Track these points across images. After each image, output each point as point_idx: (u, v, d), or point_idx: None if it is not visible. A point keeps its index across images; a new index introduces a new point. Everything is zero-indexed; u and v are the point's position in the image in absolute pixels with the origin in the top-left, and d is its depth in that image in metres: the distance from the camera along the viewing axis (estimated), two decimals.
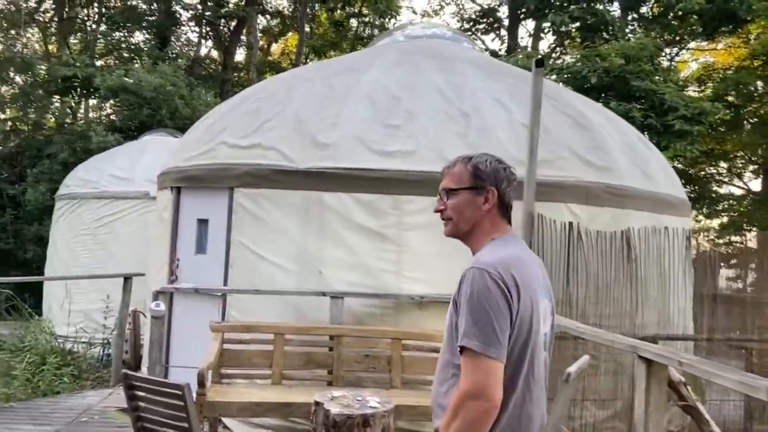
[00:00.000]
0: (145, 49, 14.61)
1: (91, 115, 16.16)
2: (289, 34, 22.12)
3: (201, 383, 3.67)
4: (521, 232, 4.71)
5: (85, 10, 18.93)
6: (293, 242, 4.98)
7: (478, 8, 19.89)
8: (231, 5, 18.14)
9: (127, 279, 6.66)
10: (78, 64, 13.33)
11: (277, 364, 4.27)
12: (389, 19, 17.22)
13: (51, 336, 7.63)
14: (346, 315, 4.64)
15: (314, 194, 4.94)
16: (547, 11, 14.20)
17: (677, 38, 18.68)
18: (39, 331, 7.95)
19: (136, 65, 12.57)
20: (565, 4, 13.92)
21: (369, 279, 4.76)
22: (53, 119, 14.71)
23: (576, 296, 4.63)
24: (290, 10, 19.08)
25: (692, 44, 20.20)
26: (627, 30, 15.50)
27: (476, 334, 1.56)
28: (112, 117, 12.08)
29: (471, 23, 18.75)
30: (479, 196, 1.79)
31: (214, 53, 21.55)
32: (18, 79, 15.40)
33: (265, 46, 22.47)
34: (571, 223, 4.64)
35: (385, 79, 5.58)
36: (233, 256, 5.21)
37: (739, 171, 20.62)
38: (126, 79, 11.53)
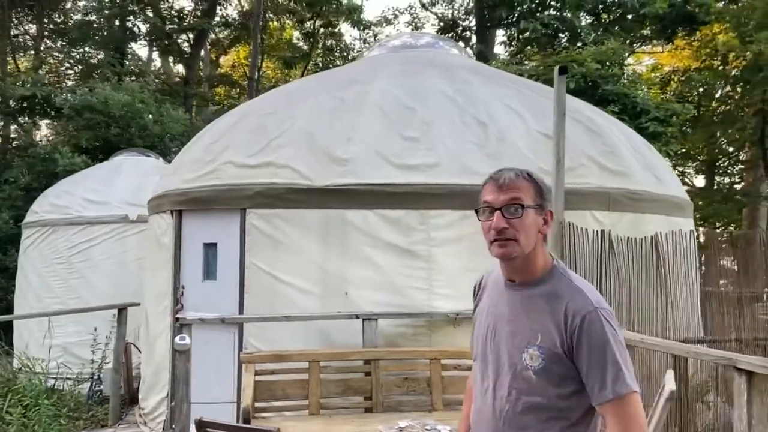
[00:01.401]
0: (109, 64, 14.04)
1: (43, 135, 15.51)
2: (239, 46, 21.83)
3: (247, 420, 3.47)
4: (551, 243, 4.68)
5: (33, 26, 18.23)
6: (314, 263, 4.81)
7: (435, 17, 20.10)
8: (190, 18, 17.74)
9: (122, 310, 6.33)
10: (35, 83, 12.74)
11: (313, 394, 4.09)
12: (363, 30, 17.16)
13: (37, 374, 7.17)
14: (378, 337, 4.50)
15: (335, 212, 4.80)
16: (515, 19, 14.42)
17: (633, 42, 19.27)
18: (20, 369, 7.47)
19: (100, 84, 12.06)
20: (536, 12, 14.15)
21: (399, 298, 4.64)
22: (10, 142, 14.01)
23: (609, 304, 4.61)
24: (241, 19, 18.66)
25: (646, 47, 20.93)
26: (590, 36, 15.90)
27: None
28: (74, 138, 11.51)
29: (440, 32, 18.90)
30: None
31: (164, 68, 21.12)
32: None
33: (214, 58, 22.11)
34: (602, 231, 4.63)
35: (394, 89, 5.49)
36: (249, 281, 5.01)
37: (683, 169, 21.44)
38: (90, 98, 11.07)
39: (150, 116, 11.66)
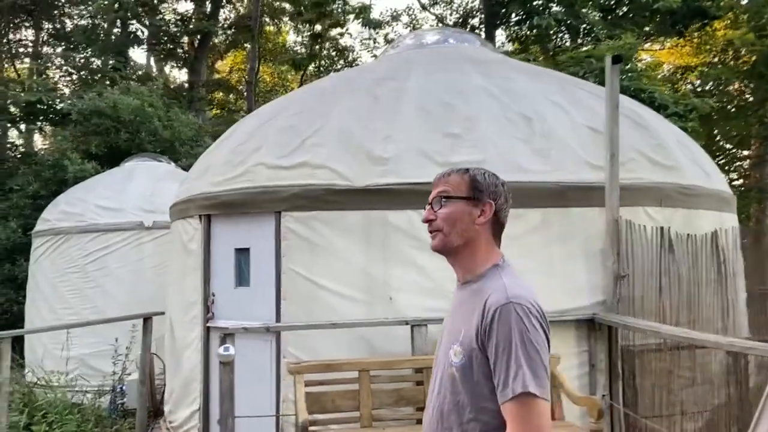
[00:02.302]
0: (114, 69, 13.85)
1: (50, 142, 15.30)
2: (235, 51, 21.70)
3: None
4: (606, 241, 4.51)
5: (30, 31, 18.05)
6: (355, 267, 4.62)
7: (433, 18, 19.91)
8: (193, 22, 17.57)
9: (147, 320, 6.13)
10: (40, 88, 12.56)
11: (365, 405, 3.89)
12: (373, 29, 16.99)
13: (54, 388, 6.97)
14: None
15: (376, 213, 4.61)
16: (528, 15, 14.26)
17: (646, 37, 19.13)
18: (35, 383, 7.27)
19: (103, 89, 11.87)
20: (548, 8, 14.00)
21: (445, 302, 4.40)
22: (15, 149, 13.82)
23: (669, 305, 4.43)
24: (238, 22, 18.43)
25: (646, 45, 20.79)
26: (603, 31, 15.75)
27: (532, 377, 1.45)
28: (83, 144, 11.31)
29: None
30: (475, 208, 1.69)
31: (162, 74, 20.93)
32: None
33: (210, 63, 21.96)
34: (661, 228, 4.45)
35: (431, 85, 5.32)
36: (286, 287, 4.81)
37: None
38: (99, 102, 10.88)
39: (159, 121, 11.45)
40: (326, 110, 5.25)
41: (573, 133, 4.92)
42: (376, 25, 16.44)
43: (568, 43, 16.78)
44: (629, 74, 12.21)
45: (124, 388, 6.82)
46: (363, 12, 15.59)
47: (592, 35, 15.23)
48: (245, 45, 20.80)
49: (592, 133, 4.93)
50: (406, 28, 21.57)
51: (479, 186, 1.71)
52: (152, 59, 21.03)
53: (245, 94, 21.07)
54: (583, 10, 14.44)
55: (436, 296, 4.44)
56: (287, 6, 20.35)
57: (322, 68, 21.44)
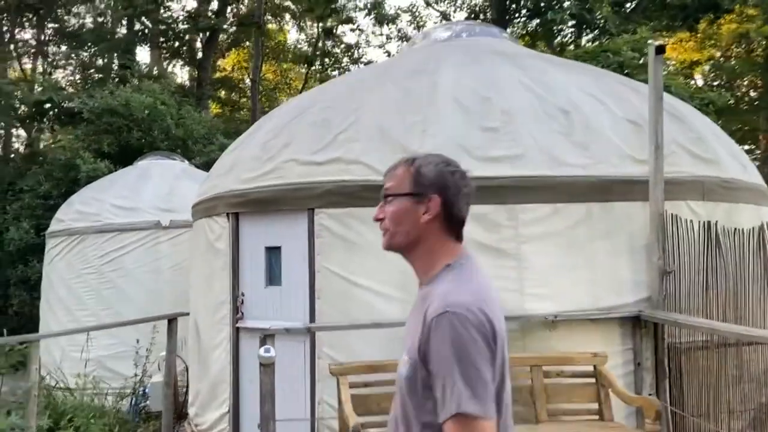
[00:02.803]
0: (124, 67, 13.78)
1: (61, 141, 15.21)
2: (237, 49, 21.64)
3: None
4: (650, 236, 4.41)
5: (33, 30, 17.95)
6: (393, 265, 4.44)
7: (437, 14, 19.70)
8: (199, 19, 17.49)
9: (172, 321, 6.04)
10: (48, 86, 12.49)
11: None
12: (387, 24, 16.90)
13: (79, 391, 6.90)
14: None
15: None
16: (540, 10, 14.19)
17: (659, 31, 19.03)
18: (54, 386, 7.20)
19: (111, 87, 11.79)
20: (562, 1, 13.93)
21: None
22: (27, 148, 13.75)
23: (716, 303, 4.34)
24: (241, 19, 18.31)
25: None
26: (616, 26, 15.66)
27: (472, 396, 1.34)
28: (95, 143, 11.23)
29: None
30: (420, 204, 1.57)
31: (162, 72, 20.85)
32: None
33: (213, 61, 21.89)
34: (708, 223, 4.36)
35: (464, 79, 5.22)
36: (320, 286, 4.73)
37: None
38: (111, 100, 10.80)
39: (171, 119, 11.37)
40: (357, 104, 5.16)
41: (613, 126, 4.82)
42: (390, 20, 16.35)
43: (571, 39, 16.69)
44: (645, 67, 12.12)
45: (146, 390, 6.74)
46: (377, 8, 15.51)
47: (604, 30, 15.15)
48: (247, 43, 20.78)
49: (632, 126, 4.84)
50: (410, 25, 21.49)
51: (422, 179, 1.58)
52: (152, 58, 20.95)
53: (248, 92, 21.03)
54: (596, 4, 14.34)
55: None
56: (290, 4, 20.34)
57: (326, 65, 21.41)
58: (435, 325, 1.40)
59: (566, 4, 13.70)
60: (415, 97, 5.06)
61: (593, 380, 4.02)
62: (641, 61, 12.60)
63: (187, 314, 6.17)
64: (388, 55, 16.97)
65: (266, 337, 3.89)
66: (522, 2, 15.63)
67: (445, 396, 1.36)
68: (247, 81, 21.78)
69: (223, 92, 22.82)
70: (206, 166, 11.32)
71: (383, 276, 4.52)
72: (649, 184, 4.39)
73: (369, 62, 19.25)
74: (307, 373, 4.81)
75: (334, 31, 18.11)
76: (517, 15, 17.04)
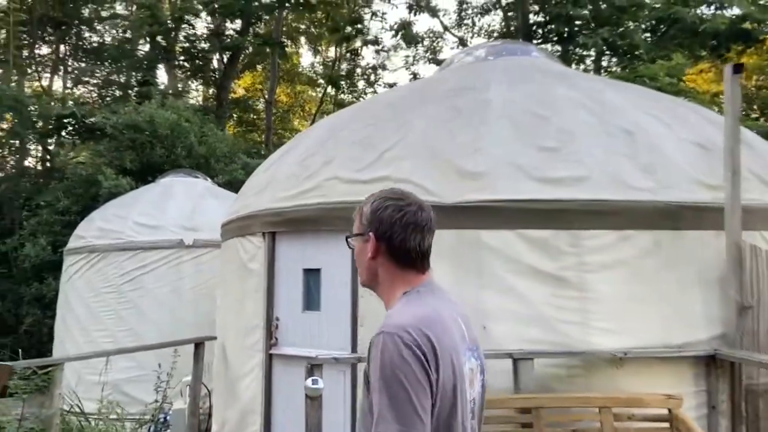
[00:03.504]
0: (147, 83, 13.75)
1: (76, 157, 15.17)
2: (251, 71, 21.75)
3: None
4: (725, 268, 4.12)
5: (62, 47, 18.08)
6: None
7: (455, 40, 19.55)
8: (226, 38, 17.54)
9: (199, 345, 5.78)
10: (71, 102, 12.44)
11: None
12: (415, 45, 16.82)
13: (88, 416, 6.63)
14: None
15: (468, 233, 4.27)
16: (574, 34, 14.04)
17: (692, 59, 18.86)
18: (69, 411, 6.93)
19: (146, 102, 11.72)
20: (593, 28, 13.78)
21: (548, 333, 4.07)
22: (46, 163, 13.67)
23: None
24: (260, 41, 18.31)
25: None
26: (650, 52, 15.49)
27: (395, 417, 1.34)
28: (117, 159, 11.12)
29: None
30: (366, 243, 1.66)
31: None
32: None
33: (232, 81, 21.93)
34: None
35: (516, 96, 5.01)
36: (363, 312, 4.47)
37: None
38: (136, 116, 10.70)
39: (194, 136, 11.26)
40: (402, 122, 4.96)
41: (679, 149, 4.57)
42: (419, 41, 16.29)
43: (592, 65, 16.47)
44: (683, 95, 11.91)
45: (167, 418, 6.45)
46: (405, 28, 15.46)
47: (635, 56, 14.97)
48: (260, 67, 20.88)
49: (700, 149, 4.59)
50: (426, 52, 21.39)
51: (363, 219, 1.67)
52: (169, 77, 21.03)
53: (262, 113, 21.06)
54: (630, 29, 14.20)
55: (538, 326, 4.08)
56: (306, 26, 20.37)
57: (343, 88, 21.43)
58: (371, 347, 1.44)
59: (600, 30, 13.52)
60: (465, 115, 4.85)
61: (667, 425, 3.70)
62: (677, 87, 12.42)
63: (215, 338, 5.91)
64: (415, 77, 16.84)
65: (313, 367, 3.62)
66: (549, 27, 15.50)
67: (375, 418, 1.36)
68: (261, 104, 21.89)
69: (236, 114, 22.90)
70: (228, 185, 11.20)
71: None
72: (725, 212, 4.13)
73: (390, 85, 19.18)
74: (347, 404, 4.53)
75: (359, 52, 18.09)
76: (541, 40, 16.92)
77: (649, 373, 4.04)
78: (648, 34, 16.50)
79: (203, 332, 7.05)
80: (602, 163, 4.36)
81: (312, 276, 4.91)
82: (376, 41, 17.61)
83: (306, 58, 22.79)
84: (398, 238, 1.61)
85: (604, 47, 13.11)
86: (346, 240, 1.73)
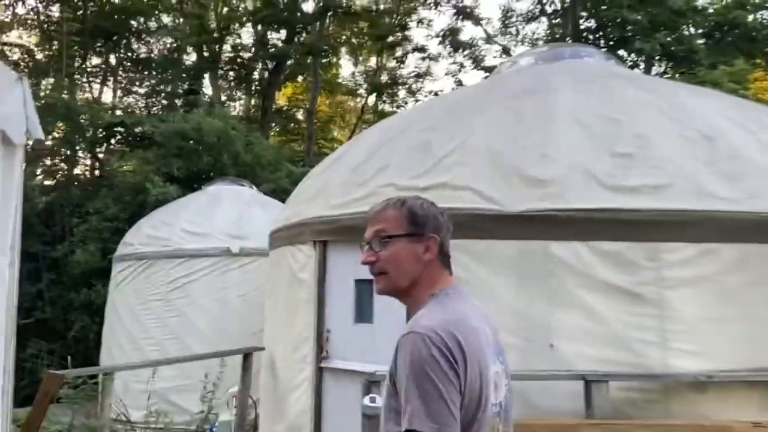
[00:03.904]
0: (194, 93, 13.90)
1: (124, 165, 15.44)
2: (292, 82, 21.82)
3: None
4: None
5: (112, 57, 18.50)
6: (507, 307, 4.02)
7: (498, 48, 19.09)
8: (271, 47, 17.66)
9: (248, 356, 5.65)
10: (119, 111, 12.64)
11: None
12: (462, 51, 16.62)
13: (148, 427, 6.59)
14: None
15: (535, 244, 4.02)
16: (628, 39, 13.61)
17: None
18: (116, 419, 6.90)
19: (194, 110, 11.82)
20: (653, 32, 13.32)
21: (623, 354, 3.78)
22: (95, 171, 13.94)
23: None
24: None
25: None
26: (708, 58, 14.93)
27: (427, 413, 1.37)
28: (165, 167, 11.22)
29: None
30: (419, 244, 1.65)
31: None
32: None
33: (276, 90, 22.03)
34: None
35: (584, 100, 4.74)
36: None
37: None
38: (184, 124, 10.78)
39: (240, 144, 11.27)
40: (462, 126, 4.74)
41: (765, 156, 4.22)
42: (467, 47, 16.08)
43: (643, 71, 15.92)
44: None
45: (213, 430, 6.34)
46: (453, 34, 15.27)
47: (692, 60, 14.44)
48: (300, 78, 20.97)
49: None
50: (467, 59, 21.08)
51: (420, 220, 1.65)
52: (213, 86, 21.27)
53: (303, 124, 21.11)
54: (686, 34, 13.71)
55: (611, 345, 3.79)
56: (346, 36, 20.34)
57: (384, 98, 21.39)
58: (400, 346, 1.46)
59: (658, 34, 13.06)
60: (529, 119, 4.61)
61: None
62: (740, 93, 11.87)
63: (263, 349, 5.77)
64: (460, 83, 16.63)
65: (371, 383, 3.41)
66: (600, 33, 15.09)
67: (402, 414, 1.40)
68: (301, 114, 21.99)
69: (278, 124, 23.03)
70: (273, 193, 11.16)
71: (497, 318, 3.96)
72: None
73: (435, 93, 18.97)
74: None
75: (404, 59, 17.97)
76: (593, 45, 16.49)
77: (735, 398, 3.72)
78: (703, 39, 15.93)
79: (248, 342, 6.94)
80: (682, 171, 4.06)
81: (364, 287, 4.71)
82: (422, 48, 17.45)
83: (346, 69, 22.82)
84: (447, 243, 1.69)
85: (660, 52, 12.65)
86: (381, 239, 1.64)
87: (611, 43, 14.79)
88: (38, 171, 13.85)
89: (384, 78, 20.40)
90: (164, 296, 8.39)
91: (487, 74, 15.11)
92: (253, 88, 19.66)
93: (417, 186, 4.48)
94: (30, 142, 3.07)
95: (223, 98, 18.46)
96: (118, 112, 13.39)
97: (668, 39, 13.35)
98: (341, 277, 4.88)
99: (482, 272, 4.10)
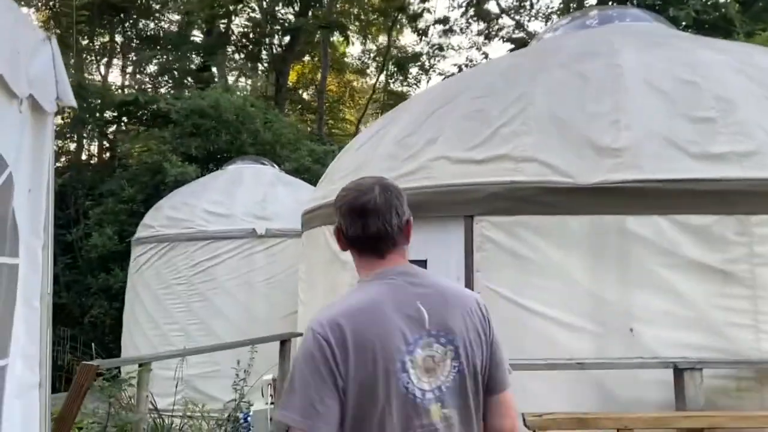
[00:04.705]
0: (208, 68, 13.53)
1: (138, 145, 15.15)
2: (300, 61, 21.37)
3: None
4: None
5: (120, 35, 18.13)
6: (580, 288, 3.72)
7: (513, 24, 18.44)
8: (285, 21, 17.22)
9: (285, 342, 5.39)
10: (133, 90, 12.32)
11: None
12: (488, 22, 16.09)
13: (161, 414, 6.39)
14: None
15: (610, 219, 3.71)
16: (664, 6, 13.06)
17: None
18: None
19: (212, 86, 11.48)
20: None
21: (712, 339, 3.48)
22: (105, 153, 13.67)
23: None
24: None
25: None
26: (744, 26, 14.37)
27: (291, 406, 1.42)
28: (182, 146, 10.92)
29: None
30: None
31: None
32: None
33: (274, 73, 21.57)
34: None
35: (654, 61, 4.39)
36: None
37: None
38: (201, 100, 10.45)
39: (264, 123, 10.94)
40: (520, 92, 4.40)
41: None
42: (493, 18, 15.56)
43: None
44: None
45: (248, 419, 6.11)
46: (478, 5, 14.78)
47: (728, 30, 13.90)
48: (307, 58, 20.53)
49: None
50: (479, 36, 20.49)
51: (337, 212, 1.65)
52: (220, 65, 20.81)
53: (312, 104, 20.73)
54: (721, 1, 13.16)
55: (698, 329, 3.50)
56: (355, 12, 19.84)
57: (395, 75, 20.95)
58: None
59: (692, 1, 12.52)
60: (595, 83, 4.27)
61: None
62: None
63: (300, 335, 5.51)
64: (486, 56, 15.97)
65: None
66: (632, 1, 14.52)
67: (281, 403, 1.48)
68: (309, 95, 21.60)
69: (290, 102, 22.65)
70: (295, 173, 10.86)
71: (569, 301, 3.72)
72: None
73: (446, 74, 18.40)
74: None
75: (426, 32, 17.43)
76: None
77: None
78: (738, 6, 15.35)
79: (276, 327, 6.69)
80: None
81: None
82: (446, 20, 16.87)
83: (354, 49, 22.35)
84: (345, 226, 1.61)
85: (694, 21, 12.14)
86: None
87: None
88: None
89: (395, 56, 19.97)
90: (188, 280, 8.14)
91: (513, 47, 14.64)
92: (264, 65, 19.25)
93: (473, 158, 4.18)
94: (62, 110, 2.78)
95: (232, 79, 18.07)
96: (130, 91, 13.03)
97: (701, 6, 12.79)
98: None
99: (551, 252, 3.80)
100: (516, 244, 3.89)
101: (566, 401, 3.56)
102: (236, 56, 19.18)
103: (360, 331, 1.43)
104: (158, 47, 16.28)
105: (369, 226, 1.58)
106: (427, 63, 20.59)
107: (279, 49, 17.70)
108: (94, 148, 14.84)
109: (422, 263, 4.36)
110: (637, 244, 3.64)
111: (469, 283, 4.03)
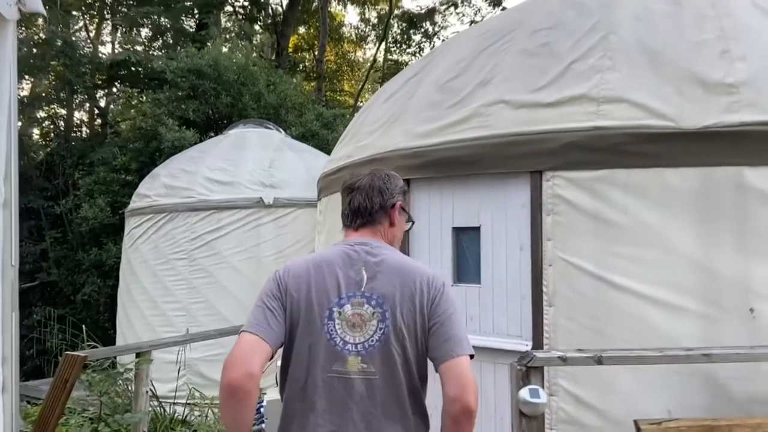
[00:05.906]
0: (210, 26, 12.64)
1: (131, 110, 14.33)
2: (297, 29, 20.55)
3: None
4: None
5: None
6: (683, 258, 3.05)
7: None
8: None
9: None
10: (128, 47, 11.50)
11: None
12: None
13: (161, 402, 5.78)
14: None
15: (723, 172, 3.03)
16: None
17: None
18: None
19: (210, 44, 10.67)
20: None
21: None
22: (99, 117, 12.87)
23: None
24: None
25: None
26: None
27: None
28: (179, 109, 10.15)
29: None
30: None
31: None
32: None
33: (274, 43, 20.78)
34: None
35: None
36: (553, 287, 3.29)
37: None
38: (199, 59, 9.66)
39: (268, 84, 10.16)
40: (595, 21, 3.68)
41: None
42: None
43: None
44: None
45: (260, 409, 5.48)
46: None
47: None
48: (302, 30, 19.72)
49: None
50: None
51: None
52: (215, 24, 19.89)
53: (311, 74, 19.94)
54: None
55: None
56: None
57: (398, 44, 20.21)
58: None
59: None
60: (692, 5, 3.54)
61: None
62: None
63: None
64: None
65: (529, 369, 2.45)
66: None
67: None
68: (307, 64, 20.81)
69: (290, 67, 21.90)
70: (302, 138, 10.14)
71: (668, 276, 3.05)
72: None
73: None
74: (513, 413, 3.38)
75: None
76: None
77: None
78: None
79: None
80: None
81: (467, 237, 3.75)
82: None
83: (351, 17, 21.58)
84: (343, 202, 1.95)
85: None
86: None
87: None
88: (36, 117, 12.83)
89: (403, 15, 19.16)
90: (188, 254, 7.47)
91: None
92: (263, 25, 18.36)
93: (541, 102, 3.48)
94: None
95: (239, 32, 17.14)
96: (121, 50, 12.22)
97: None
98: (433, 225, 3.90)
99: (645, 214, 3.11)
100: (599, 206, 3.20)
101: (660, 399, 2.92)
102: (235, 16, 18.34)
103: (300, 275, 1.76)
104: (149, 5, 15.36)
105: (353, 201, 1.89)
106: (440, 21, 19.76)
107: (280, 10, 16.79)
108: (84, 115, 14.03)
109: (474, 231, 3.69)
110: (759, 203, 2.96)
111: (537, 255, 3.36)
